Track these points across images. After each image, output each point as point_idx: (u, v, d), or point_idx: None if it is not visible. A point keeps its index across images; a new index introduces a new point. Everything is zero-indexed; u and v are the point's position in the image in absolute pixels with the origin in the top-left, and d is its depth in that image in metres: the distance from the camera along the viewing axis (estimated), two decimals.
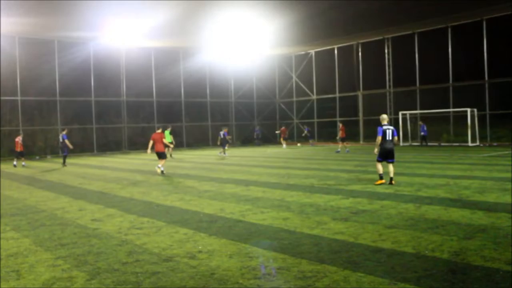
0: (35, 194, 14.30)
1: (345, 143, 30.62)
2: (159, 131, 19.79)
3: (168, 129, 28.57)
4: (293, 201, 11.17)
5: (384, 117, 13.98)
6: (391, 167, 13.60)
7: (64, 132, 25.67)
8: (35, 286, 5.65)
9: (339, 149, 30.13)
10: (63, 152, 25.73)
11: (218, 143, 31.22)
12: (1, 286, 5.69)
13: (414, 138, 36.01)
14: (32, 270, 6.28)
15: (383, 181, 13.63)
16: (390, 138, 13.51)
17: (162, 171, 18.93)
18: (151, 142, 19.17)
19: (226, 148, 30.85)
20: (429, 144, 33.55)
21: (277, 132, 42.32)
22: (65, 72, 35.35)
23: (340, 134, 30.35)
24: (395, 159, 14.07)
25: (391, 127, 13.73)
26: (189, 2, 25.93)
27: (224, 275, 5.83)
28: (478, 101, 33.19)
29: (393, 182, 13.47)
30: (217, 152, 31.47)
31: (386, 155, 13.61)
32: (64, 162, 25.69)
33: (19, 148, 25.67)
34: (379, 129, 13.60)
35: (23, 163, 26.27)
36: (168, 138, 27.09)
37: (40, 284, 5.72)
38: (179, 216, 9.78)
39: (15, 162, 26.21)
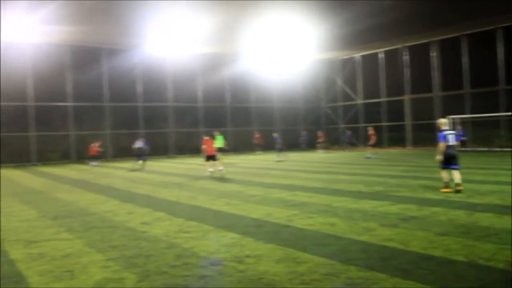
0: (86, 197, 14.68)
1: (375, 149, 30.23)
2: (207, 138, 21.27)
3: (217, 134, 28.97)
4: (340, 207, 11.06)
5: (444, 122, 13.36)
6: (456, 174, 12.92)
7: (141, 139, 27.09)
8: (88, 286, 5.80)
9: (369, 155, 29.51)
10: (140, 157, 26.55)
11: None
12: (56, 285, 5.87)
13: (462, 144, 35.05)
14: (85, 271, 6.45)
15: (449, 189, 12.85)
16: (453, 143, 13.00)
17: (220, 170, 20.37)
18: (203, 147, 21.00)
19: (279, 152, 30.55)
20: (478, 149, 32.57)
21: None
22: (114, 79, 36.33)
23: (371, 139, 29.99)
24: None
25: (453, 132, 13.33)
26: (234, 7, 26.13)
27: (271, 280, 5.82)
28: None
29: (459, 189, 12.70)
30: (274, 157, 31.21)
31: (449, 161, 13.03)
32: (140, 163, 26.56)
33: (93, 152, 27.38)
34: (441, 134, 12.94)
35: (95, 163, 28.23)
36: (220, 143, 27.81)
37: (93, 284, 5.87)
38: (226, 221, 9.84)
39: (94, 163, 28.52)
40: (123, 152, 37.11)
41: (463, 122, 35.25)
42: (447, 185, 13.02)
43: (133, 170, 25.41)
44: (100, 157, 28.30)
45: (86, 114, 36.04)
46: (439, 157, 13.12)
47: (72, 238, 8.60)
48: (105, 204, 12.83)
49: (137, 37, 32.74)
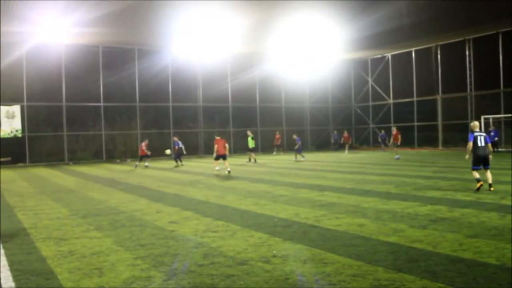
0: (115, 196, 14.88)
1: (396, 149, 29.85)
2: (218, 137, 22.51)
3: (250, 134, 29.37)
4: (369, 207, 10.95)
5: (476, 124, 13.97)
6: (488, 174, 13.29)
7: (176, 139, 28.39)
8: (116, 284, 5.86)
9: (398, 155, 28.64)
10: (179, 157, 28.20)
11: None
12: (85, 283, 5.96)
13: (494, 145, 34.29)
14: (113, 269, 6.53)
15: (480, 183, 13.11)
16: (483, 144, 13.31)
17: (228, 171, 21.27)
18: (215, 147, 21.91)
19: (300, 153, 30.55)
20: (500, 150, 31.83)
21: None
22: (145, 79, 36.76)
23: (396, 139, 29.71)
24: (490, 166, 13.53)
25: (483, 134, 13.62)
26: (263, 7, 26.12)
27: (298, 280, 5.81)
28: None
29: (492, 189, 13.05)
30: (293, 158, 31.04)
31: (479, 162, 13.39)
32: (180, 162, 28.15)
33: (142, 152, 27.38)
34: (470, 135, 13.48)
35: (146, 164, 28.30)
36: (251, 143, 28.27)
37: (121, 282, 5.93)
38: (254, 220, 9.84)
39: (143, 163, 28.26)
40: (153, 151, 37.48)
41: (497, 122, 34.53)
42: (478, 180, 13.21)
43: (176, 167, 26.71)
44: (149, 157, 27.97)
45: (117, 114, 36.52)
46: (468, 156, 13.57)
47: (101, 236, 8.72)
48: (134, 203, 12.98)
49: (167, 38, 33.04)
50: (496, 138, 31.75)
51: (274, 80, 42.56)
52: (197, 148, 39.48)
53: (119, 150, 36.45)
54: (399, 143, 29.86)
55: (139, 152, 28.10)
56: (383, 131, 39.38)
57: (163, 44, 35.22)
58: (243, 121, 40.89)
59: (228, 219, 10.03)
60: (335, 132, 43.92)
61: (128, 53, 36.16)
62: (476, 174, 13.35)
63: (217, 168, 22.87)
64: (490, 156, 13.46)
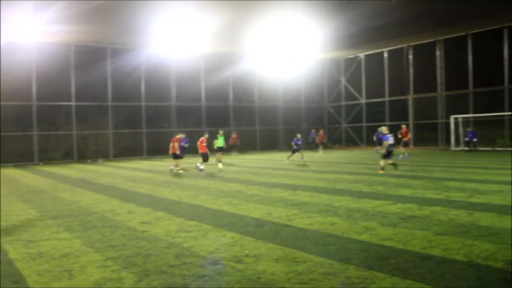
0: (87, 196, 14.70)
1: (403, 148, 28.15)
2: (179, 136, 22.74)
3: (220, 134, 28.86)
4: (341, 206, 11.05)
5: (385, 128, 19.80)
6: (390, 161, 19.04)
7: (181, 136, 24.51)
8: (86, 286, 5.79)
9: (405, 155, 27.40)
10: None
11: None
12: (55, 285, 5.87)
13: (467, 143, 34.99)
14: (83, 270, 6.45)
15: (383, 171, 18.62)
16: (392, 142, 19.09)
17: (171, 170, 21.84)
18: (171, 144, 22.16)
19: (294, 153, 28.13)
20: (481, 149, 32.43)
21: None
22: (117, 78, 36.38)
23: (405, 138, 27.93)
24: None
25: (391, 135, 19.31)
26: (237, 6, 26.12)
27: (270, 279, 5.82)
28: None
29: (396, 165, 19.01)
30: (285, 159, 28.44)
31: (389, 154, 19.02)
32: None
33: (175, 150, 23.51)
34: (384, 136, 19.10)
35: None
36: (220, 143, 27.69)
37: (91, 284, 5.86)
38: (226, 220, 9.84)
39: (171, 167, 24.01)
40: (125, 151, 37.22)
41: (472, 122, 35.14)
42: (383, 168, 18.78)
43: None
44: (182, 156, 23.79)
45: (89, 114, 36.07)
46: (383, 151, 19.09)
47: (71, 237, 8.60)
48: (105, 204, 12.84)
49: (140, 37, 32.77)
50: (474, 139, 32.33)
51: (248, 79, 42.63)
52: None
53: (90, 150, 35.97)
54: (408, 141, 28.22)
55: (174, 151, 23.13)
56: (379, 129, 37.21)
57: (136, 43, 34.90)
58: (216, 121, 40.77)
59: (200, 219, 10.01)
60: (313, 131, 43.95)
61: (101, 52, 35.72)
62: (383, 163, 18.80)
63: (172, 167, 23.02)
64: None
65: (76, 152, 35.12)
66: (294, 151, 27.72)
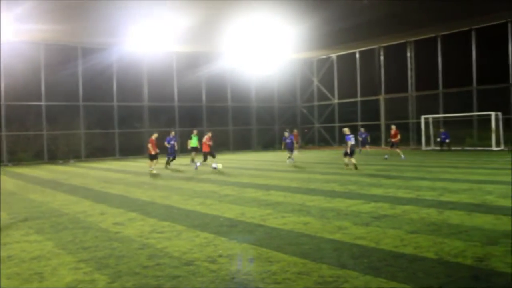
0: (58, 197, 14.49)
1: (393, 148, 27.59)
2: (154, 136, 22.82)
3: (194, 133, 28.55)
4: (314, 206, 11.12)
5: (347, 130, 20.99)
6: (353, 160, 20.47)
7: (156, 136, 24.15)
8: None
9: (401, 156, 26.65)
10: (171, 155, 25.04)
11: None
12: None
13: (437, 142, 35.57)
14: (55, 273, 6.36)
15: (348, 168, 20.61)
16: (353, 142, 20.66)
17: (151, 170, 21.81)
18: (150, 145, 22.22)
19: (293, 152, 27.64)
20: (452, 148, 32.98)
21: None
22: (88, 78, 35.88)
23: (395, 137, 27.45)
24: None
25: (352, 135, 20.74)
26: (210, 6, 26.05)
27: (244, 279, 5.83)
28: (502, 105, 32.66)
29: (357, 167, 20.19)
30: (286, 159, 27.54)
31: (351, 153, 20.47)
32: (168, 163, 24.98)
33: (206, 149, 23.90)
34: (347, 137, 20.52)
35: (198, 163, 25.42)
36: (194, 143, 27.44)
37: (63, 286, 5.79)
38: (200, 220, 9.81)
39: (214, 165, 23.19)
40: (97, 152, 36.78)
41: (443, 122, 35.69)
42: (347, 166, 20.83)
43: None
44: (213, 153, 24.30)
45: (60, 114, 35.52)
46: (347, 149, 20.48)
47: (42, 239, 8.47)
48: (77, 205, 12.67)
49: (112, 36, 32.42)
50: (447, 140, 32.76)
51: (221, 79, 42.54)
52: (143, 148, 38.87)
53: (61, 151, 35.43)
54: (398, 141, 27.82)
55: (203, 148, 23.80)
56: (362, 129, 36.00)
57: (108, 42, 34.50)
58: (189, 121, 40.58)
59: (173, 220, 9.96)
60: (287, 131, 43.94)
61: (71, 51, 35.17)
62: (347, 161, 20.80)
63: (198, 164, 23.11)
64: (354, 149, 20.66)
65: (47, 152, 34.54)
66: (289, 149, 27.19)
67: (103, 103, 37.10)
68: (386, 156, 27.35)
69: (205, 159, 23.59)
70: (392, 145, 27.82)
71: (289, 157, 26.70)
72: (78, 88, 35.73)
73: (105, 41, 34.14)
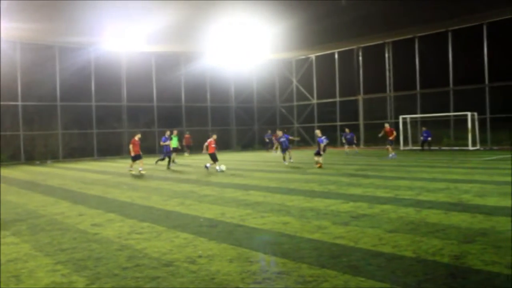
0: (35, 199, 14.29)
1: (390, 147, 27.45)
2: (137, 137, 22.46)
3: (174, 134, 28.28)
4: (294, 206, 11.16)
5: (319, 132, 22.51)
6: (320, 159, 21.87)
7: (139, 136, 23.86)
8: None
9: (392, 154, 26.86)
10: (167, 154, 25.19)
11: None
12: None
13: (414, 142, 35.96)
14: (32, 275, 6.27)
15: (320, 164, 21.67)
16: (324, 143, 22.00)
17: (140, 171, 21.54)
18: (131, 146, 21.89)
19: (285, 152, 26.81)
20: (432, 148, 33.25)
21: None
22: (66, 77, 35.42)
23: (391, 135, 27.32)
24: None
25: (324, 137, 22.05)
26: (189, 6, 25.96)
27: (224, 279, 5.82)
28: (478, 105, 33.17)
29: (322, 166, 21.58)
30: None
31: (323, 151, 22.04)
32: (169, 162, 25.14)
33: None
34: (319, 139, 21.92)
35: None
36: (175, 143, 27.20)
37: None
38: (179, 221, 9.77)
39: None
40: (75, 152, 36.38)
41: (420, 122, 36.05)
42: (317, 163, 21.76)
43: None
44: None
45: (37, 114, 35.06)
46: (319, 149, 21.86)
47: (18, 242, 8.34)
48: (55, 206, 12.52)
49: (90, 35, 32.09)
50: (429, 138, 32.99)
51: (200, 79, 42.45)
52: (121, 148, 38.59)
53: (39, 151, 34.99)
54: (393, 139, 27.70)
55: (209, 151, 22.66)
56: (347, 130, 34.88)
57: (86, 41, 34.12)
58: (168, 121, 40.43)
59: (153, 220, 9.90)
60: (269, 131, 43.88)
61: (48, 50, 34.71)
62: (318, 159, 21.84)
63: (130, 168, 22.15)
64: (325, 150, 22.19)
65: (24, 153, 34.06)
66: (285, 150, 26.76)
67: (81, 103, 36.73)
68: (393, 155, 26.92)
69: (215, 160, 22.37)
70: (391, 143, 27.52)
71: (290, 158, 26.13)
72: (56, 87, 35.28)
73: (83, 40, 33.77)
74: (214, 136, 23.03)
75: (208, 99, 43.82)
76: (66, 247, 7.79)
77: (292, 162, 25.79)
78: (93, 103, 37.08)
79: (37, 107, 34.86)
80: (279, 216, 9.88)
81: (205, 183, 16.99)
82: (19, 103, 33.74)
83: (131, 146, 22.04)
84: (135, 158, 21.83)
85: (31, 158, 34.03)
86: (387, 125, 28.39)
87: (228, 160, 30.17)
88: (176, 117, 41.56)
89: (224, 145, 44.53)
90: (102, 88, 37.54)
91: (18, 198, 14.64)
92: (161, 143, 25.48)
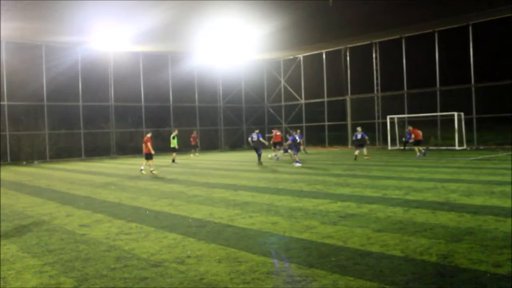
0: (22, 200, 14.17)
1: (418, 147, 27.11)
2: (149, 135, 22.03)
3: (174, 133, 28.35)
4: (282, 206, 11.18)
5: (294, 132, 24.37)
6: (294, 156, 23.74)
7: (257, 131, 25.34)
8: None
9: (421, 152, 26.75)
10: (258, 151, 24.99)
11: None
12: None
13: (402, 142, 36.12)
14: (19, 277, 6.22)
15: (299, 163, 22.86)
16: (299, 140, 23.94)
17: (141, 170, 21.58)
18: (143, 145, 21.72)
19: (286, 152, 27.60)
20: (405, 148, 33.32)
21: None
22: (53, 77, 35.07)
23: (418, 136, 27.00)
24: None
25: (297, 135, 23.80)
26: (177, 6, 25.89)
27: (213, 280, 5.81)
28: (465, 105, 33.43)
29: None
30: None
31: (296, 147, 23.81)
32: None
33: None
34: (291, 137, 23.63)
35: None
36: (173, 143, 27.23)
37: None
38: (168, 221, 9.75)
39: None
40: (62, 152, 36.13)
41: (407, 123, 36.21)
42: (294, 160, 23.27)
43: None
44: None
45: (23, 114, 34.74)
46: (285, 145, 24.42)
47: (5, 243, 8.27)
48: (42, 207, 12.43)
49: (77, 35, 31.87)
50: (404, 139, 33.04)
51: (188, 79, 42.35)
52: (109, 148, 38.41)
53: (25, 152, 34.67)
54: (416, 139, 27.18)
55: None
56: (359, 128, 30.63)
57: (73, 41, 33.87)
58: (156, 121, 40.30)
59: (141, 221, 9.87)
60: (257, 131, 43.63)
61: (35, 49, 34.38)
62: (292, 153, 23.64)
63: (142, 168, 22.02)
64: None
65: (10, 154, 33.72)
66: (285, 150, 27.20)
67: (68, 103, 36.44)
68: (422, 152, 26.72)
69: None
70: (417, 143, 27.18)
71: (292, 160, 25.10)
72: (42, 87, 34.98)
73: (70, 39, 33.52)
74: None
75: (196, 99, 43.72)
76: (54, 248, 7.74)
77: (277, 161, 26.42)
78: (81, 103, 36.82)
79: (23, 107, 34.53)
80: (268, 216, 9.89)
81: (194, 183, 16.96)
82: (5, 102, 33.39)
83: (149, 144, 21.41)
84: (150, 157, 21.49)
85: (17, 159, 33.72)
86: (410, 128, 28.04)
87: (216, 160, 30.16)
88: (164, 117, 41.42)
89: (212, 145, 44.57)
90: (89, 88, 37.26)
91: (5, 199, 14.51)
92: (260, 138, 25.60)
